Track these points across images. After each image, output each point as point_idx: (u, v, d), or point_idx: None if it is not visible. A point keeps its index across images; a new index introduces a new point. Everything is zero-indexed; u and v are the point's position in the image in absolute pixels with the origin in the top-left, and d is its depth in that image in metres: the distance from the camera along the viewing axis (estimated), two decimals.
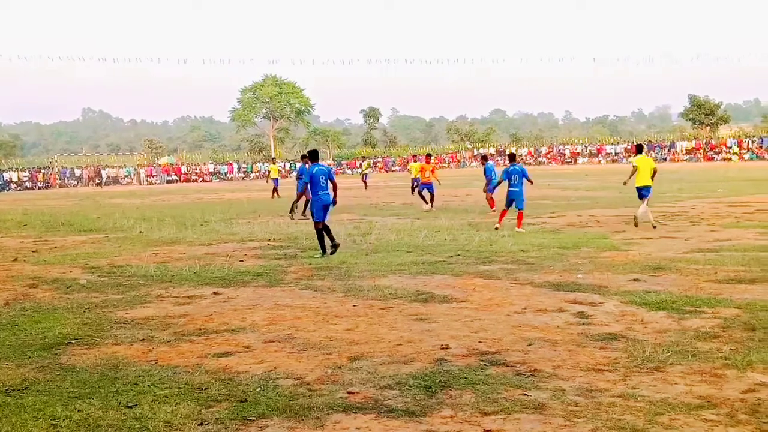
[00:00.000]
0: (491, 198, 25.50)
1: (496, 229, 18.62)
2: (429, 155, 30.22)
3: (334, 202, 16.38)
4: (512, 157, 20.59)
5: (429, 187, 28.86)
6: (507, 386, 6.51)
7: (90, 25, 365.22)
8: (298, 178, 20.28)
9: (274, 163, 47.78)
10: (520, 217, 19.05)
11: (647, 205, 19.54)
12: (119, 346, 8.42)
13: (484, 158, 28.67)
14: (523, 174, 19.31)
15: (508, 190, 19.34)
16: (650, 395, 6.16)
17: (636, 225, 19.17)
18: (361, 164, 72.27)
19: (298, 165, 36.48)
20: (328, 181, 15.96)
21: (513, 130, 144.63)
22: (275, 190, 40.77)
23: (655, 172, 20.03)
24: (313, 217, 16.13)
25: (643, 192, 19.78)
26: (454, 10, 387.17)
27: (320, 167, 16.16)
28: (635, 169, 20.10)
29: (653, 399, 6.07)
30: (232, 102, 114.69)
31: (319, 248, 15.46)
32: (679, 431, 5.40)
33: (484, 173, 26.73)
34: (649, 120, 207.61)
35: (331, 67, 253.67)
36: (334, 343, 8.23)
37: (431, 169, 28.76)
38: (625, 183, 21.08)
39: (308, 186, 16.52)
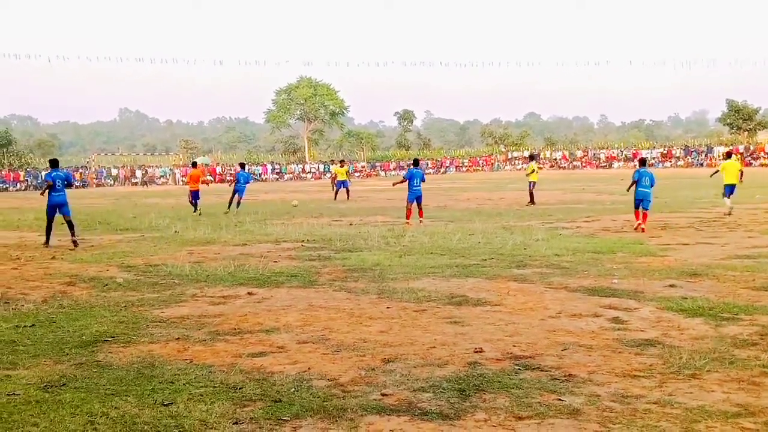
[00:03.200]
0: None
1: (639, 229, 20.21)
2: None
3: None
4: (643, 162, 23.33)
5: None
6: (541, 391, 6.49)
7: (128, 26, 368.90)
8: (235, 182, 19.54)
9: (342, 166, 44.42)
10: (645, 216, 20.76)
11: (729, 198, 24.00)
12: (155, 344, 8.49)
13: (642, 162, 31.06)
14: (652, 178, 21.26)
15: (637, 191, 21.25)
16: (686, 402, 6.11)
17: (730, 214, 22.94)
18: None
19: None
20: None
21: (548, 133, 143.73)
22: (347, 191, 39.87)
23: (742, 173, 25.32)
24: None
25: (728, 189, 24.13)
26: (490, 13, 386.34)
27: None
28: (722, 170, 25.05)
29: (690, 406, 6.01)
30: (266, 103, 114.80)
31: None
32: None
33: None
34: (686, 125, 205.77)
35: (366, 69, 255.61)
36: (368, 345, 8.24)
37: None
38: (711, 175, 28.53)
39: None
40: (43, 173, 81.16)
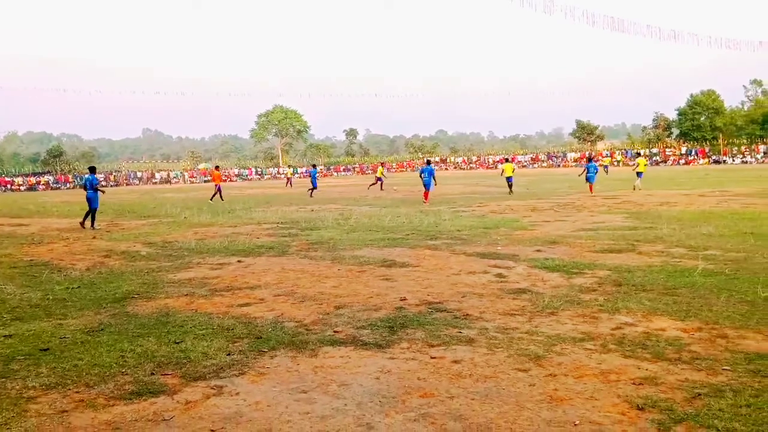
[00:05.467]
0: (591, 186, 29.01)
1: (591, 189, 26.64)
2: (217, 167, 37.84)
3: None
4: (589, 159, 30.02)
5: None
6: (447, 326, 6.55)
7: (148, 61, 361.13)
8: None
9: (383, 165, 47.72)
10: (591, 187, 27.98)
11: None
12: (169, 299, 8.35)
13: (589, 159, 33.50)
14: (596, 167, 28.58)
15: (588, 175, 28.31)
16: (547, 331, 6.23)
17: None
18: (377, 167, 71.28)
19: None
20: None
21: (452, 144, 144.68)
22: (381, 184, 39.47)
23: (607, 168, 27.34)
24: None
25: (591, 177, 27.88)
26: (412, 55, 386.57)
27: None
28: (584, 171, 28.44)
29: (549, 334, 6.13)
30: (251, 124, 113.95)
31: None
32: (568, 357, 5.46)
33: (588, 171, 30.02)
34: (548, 138, 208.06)
35: (323, 98, 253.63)
36: (324, 296, 8.21)
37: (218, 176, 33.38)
38: (579, 175, 32.93)
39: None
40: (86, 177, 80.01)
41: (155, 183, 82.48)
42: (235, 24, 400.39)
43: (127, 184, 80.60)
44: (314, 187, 34.69)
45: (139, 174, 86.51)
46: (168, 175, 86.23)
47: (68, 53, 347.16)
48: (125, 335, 6.57)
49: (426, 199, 25.87)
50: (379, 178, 40.27)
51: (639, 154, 34.14)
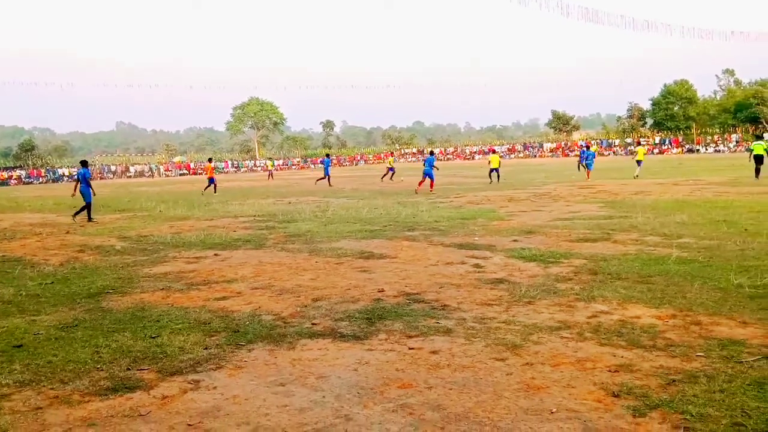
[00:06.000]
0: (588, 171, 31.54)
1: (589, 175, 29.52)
2: (210, 159, 38.61)
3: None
4: (587, 147, 31.03)
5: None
6: (425, 317, 6.56)
7: (123, 54, 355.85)
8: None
9: (392, 155, 49.71)
10: (588, 173, 30.77)
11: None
12: (145, 293, 8.27)
13: (587, 147, 36.38)
14: (593, 155, 31.07)
15: (588, 162, 31.46)
16: (524, 321, 6.27)
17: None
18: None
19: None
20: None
21: (429, 136, 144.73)
22: (392, 174, 39.86)
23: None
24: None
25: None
26: (390, 49, 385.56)
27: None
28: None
29: (526, 323, 6.17)
30: (226, 116, 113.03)
31: None
32: (544, 345, 5.50)
33: (584, 158, 32.63)
34: (525, 128, 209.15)
35: (299, 90, 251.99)
36: (302, 289, 8.18)
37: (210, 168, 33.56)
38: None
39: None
40: (59, 171, 78.71)
41: (130, 177, 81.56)
42: (209, 16, 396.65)
43: (101, 178, 79.55)
44: (327, 176, 35.58)
45: (113, 168, 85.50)
46: (145, 169, 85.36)
47: (40, 45, 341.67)
48: (100, 331, 6.48)
49: (431, 188, 26.73)
50: (390, 168, 40.69)
51: (640, 143, 42.00)
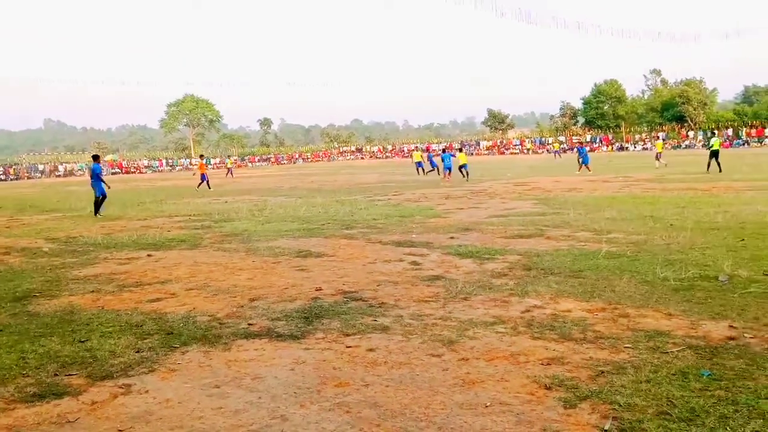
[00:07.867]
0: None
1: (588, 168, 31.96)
2: (202, 156, 42.63)
3: None
4: (582, 143, 30.80)
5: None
6: (363, 315, 6.57)
7: (51, 49, 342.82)
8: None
9: (417, 150, 51.33)
10: (587, 167, 32.33)
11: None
12: (74, 296, 7.99)
13: (581, 143, 39.51)
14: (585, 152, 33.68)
15: (583, 158, 33.10)
16: (460, 317, 6.34)
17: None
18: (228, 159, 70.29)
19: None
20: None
21: (368, 134, 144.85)
22: (423, 170, 38.74)
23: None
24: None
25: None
26: (322, 46, 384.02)
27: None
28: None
29: (462, 319, 6.25)
30: (160, 113, 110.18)
31: None
32: (480, 341, 5.58)
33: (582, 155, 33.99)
34: (461, 126, 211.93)
35: (235, 87, 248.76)
36: (238, 289, 8.07)
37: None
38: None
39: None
40: None
41: (59, 176, 78.74)
42: (140, 11, 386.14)
43: (28, 178, 76.65)
44: (434, 167, 36.80)
45: (40, 167, 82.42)
46: (75, 168, 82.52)
47: None
48: (26, 335, 6.24)
49: (448, 178, 30.82)
50: (418, 163, 39.94)
51: (659, 138, 48.87)
